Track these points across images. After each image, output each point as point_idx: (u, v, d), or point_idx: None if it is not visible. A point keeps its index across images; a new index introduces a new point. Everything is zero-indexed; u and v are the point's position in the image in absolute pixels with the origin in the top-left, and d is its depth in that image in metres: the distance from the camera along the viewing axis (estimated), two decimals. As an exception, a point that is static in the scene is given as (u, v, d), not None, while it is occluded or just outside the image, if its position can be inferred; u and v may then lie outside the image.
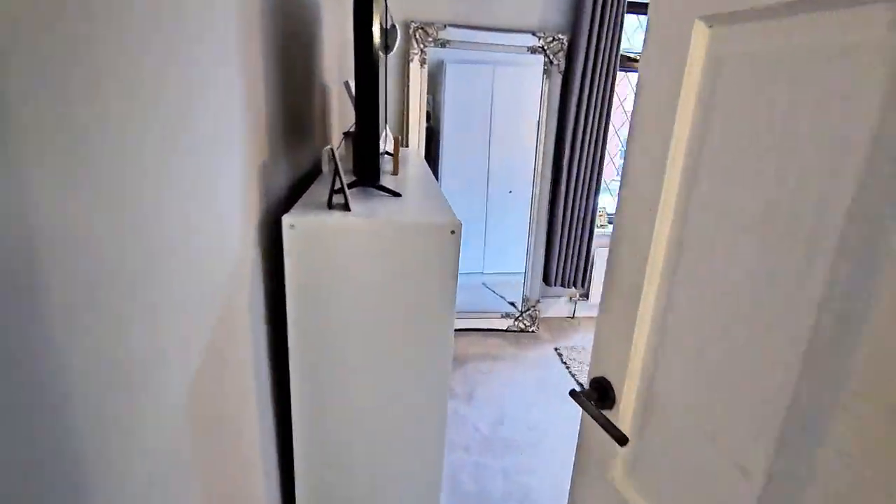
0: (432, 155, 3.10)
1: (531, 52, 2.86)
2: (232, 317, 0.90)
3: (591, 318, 3.47)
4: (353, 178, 1.26)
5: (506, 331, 3.17)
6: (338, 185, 1.11)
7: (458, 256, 1.09)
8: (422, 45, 2.73)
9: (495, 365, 2.76)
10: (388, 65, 2.74)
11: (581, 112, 2.87)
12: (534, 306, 3.16)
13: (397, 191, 1.30)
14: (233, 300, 0.90)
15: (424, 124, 2.90)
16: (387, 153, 1.93)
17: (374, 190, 1.30)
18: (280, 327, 1.21)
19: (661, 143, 0.63)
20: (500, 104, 3.10)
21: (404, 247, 1.07)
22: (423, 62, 2.75)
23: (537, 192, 3.07)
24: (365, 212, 1.12)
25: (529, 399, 2.46)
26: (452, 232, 1.07)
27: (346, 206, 1.11)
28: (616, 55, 2.83)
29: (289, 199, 1.32)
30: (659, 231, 0.64)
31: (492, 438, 2.15)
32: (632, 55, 3.12)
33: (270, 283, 1.14)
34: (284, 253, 1.03)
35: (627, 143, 0.70)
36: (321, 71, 1.83)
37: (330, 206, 1.12)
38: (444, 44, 2.76)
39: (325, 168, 1.06)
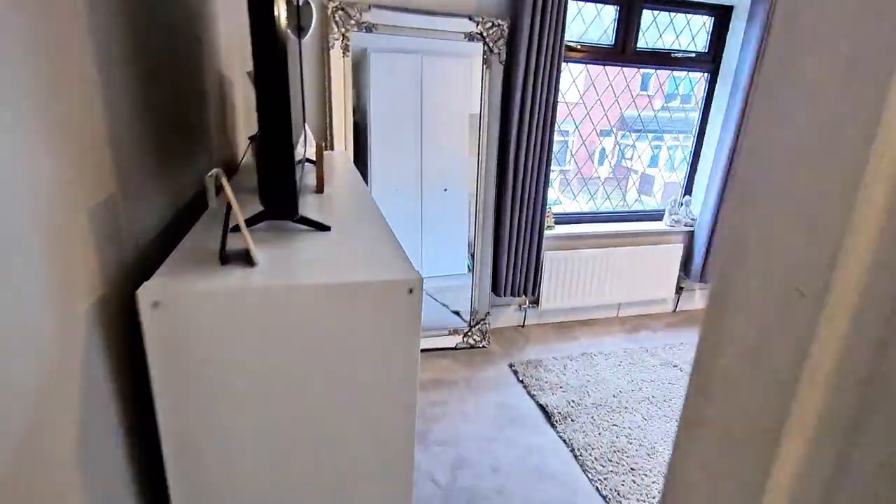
0: (360, 152, 2.72)
1: (469, 39, 2.55)
2: (44, 468, 0.51)
3: (541, 325, 3.27)
4: (260, 210, 0.88)
5: (455, 349, 2.88)
6: (234, 223, 0.74)
7: (418, 323, 0.76)
8: (343, 30, 2.33)
9: (449, 394, 2.45)
10: (304, 52, 2.32)
11: (526, 106, 2.62)
12: (483, 319, 2.90)
13: (324, 223, 0.94)
14: (46, 438, 0.51)
15: (351, 121, 2.52)
16: (308, 161, 1.54)
17: (291, 223, 0.93)
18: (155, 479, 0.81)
19: (836, 182, 0.34)
20: (433, 96, 2.78)
21: (341, 317, 0.72)
22: (345, 49, 2.35)
23: (481, 193, 2.79)
24: (279, 265, 0.75)
25: (489, 433, 2.19)
26: (410, 291, 0.74)
27: (247, 259, 0.74)
28: (560, 44, 2.60)
29: (164, 247, 0.91)
30: (826, 339, 0.36)
31: (452, 492, 1.85)
32: (572, 44, 2.92)
33: (131, 392, 0.74)
34: (146, 348, 0.64)
35: (741, 173, 0.40)
36: (216, 58, 1.40)
37: (223, 259, 0.74)
38: (369, 28, 2.37)
39: (213, 203, 0.69)
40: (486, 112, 2.67)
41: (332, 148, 2.45)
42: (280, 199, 0.87)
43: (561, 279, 3.16)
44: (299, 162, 1.21)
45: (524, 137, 2.68)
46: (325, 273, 0.73)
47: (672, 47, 3.24)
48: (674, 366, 2.86)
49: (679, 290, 3.57)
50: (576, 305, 3.26)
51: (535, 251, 2.92)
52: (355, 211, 1.10)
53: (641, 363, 2.87)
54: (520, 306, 3.17)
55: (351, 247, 0.86)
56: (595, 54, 3.04)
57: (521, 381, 2.60)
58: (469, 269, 2.96)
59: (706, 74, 3.35)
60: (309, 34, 1.69)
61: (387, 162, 2.82)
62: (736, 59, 3.14)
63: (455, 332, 2.88)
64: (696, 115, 3.49)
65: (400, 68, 2.65)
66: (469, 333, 2.89)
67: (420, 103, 2.78)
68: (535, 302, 3.13)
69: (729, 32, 3.23)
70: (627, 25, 3.03)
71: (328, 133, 2.44)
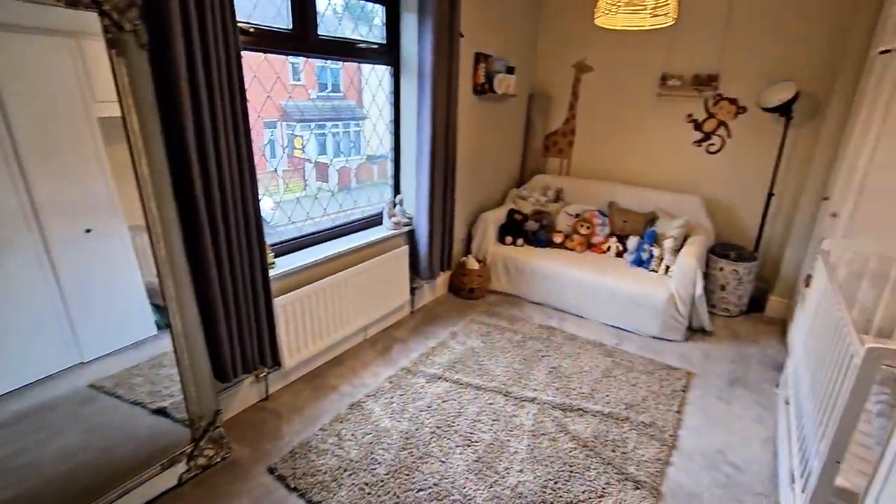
0: None
1: (70, 5, 1.52)
2: None
3: (289, 386, 2.58)
4: None
5: (182, 485, 1.89)
6: None
7: None
8: None
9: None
10: None
11: (203, 107, 1.80)
12: (213, 422, 2.00)
13: None
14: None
15: None
16: None
17: None
18: None
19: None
20: (25, 96, 1.61)
21: None
22: None
23: (157, 234, 1.84)
24: None
25: None
26: None
27: None
28: (233, 23, 1.86)
29: None
30: None
31: None
32: (243, 25, 2.21)
33: None
34: None
35: None
36: None
37: None
38: None
39: None
40: (134, 118, 1.71)
41: None
42: None
43: (299, 326, 2.52)
44: None
45: (210, 149, 1.85)
46: None
47: (354, 37, 2.92)
48: (439, 378, 2.70)
49: (413, 290, 3.46)
50: (322, 348, 2.70)
51: (263, 307, 2.17)
52: None
53: (410, 389, 2.59)
54: (257, 377, 2.38)
55: None
56: (272, 41, 2.40)
57: (296, 489, 1.90)
58: (160, 327, 1.96)
59: (390, 67, 3.20)
60: None
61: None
62: (414, 50, 3.07)
63: (172, 459, 1.88)
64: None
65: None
66: (197, 452, 1.94)
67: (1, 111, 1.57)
68: (277, 364, 2.40)
69: (401, 23, 3.13)
70: (304, 9, 2.50)
71: None
